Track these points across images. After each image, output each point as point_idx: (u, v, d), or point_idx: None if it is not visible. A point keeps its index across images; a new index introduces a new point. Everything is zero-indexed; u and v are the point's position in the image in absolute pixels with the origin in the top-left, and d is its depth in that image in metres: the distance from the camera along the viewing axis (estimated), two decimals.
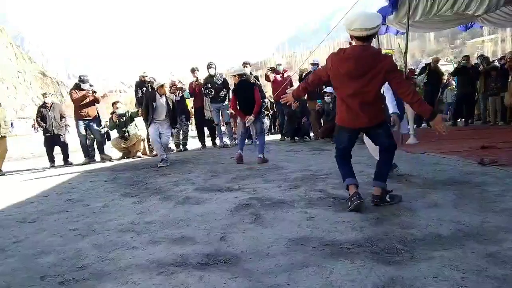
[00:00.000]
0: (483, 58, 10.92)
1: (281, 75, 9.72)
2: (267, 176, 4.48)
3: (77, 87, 7.92)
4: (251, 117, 5.77)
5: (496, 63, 10.87)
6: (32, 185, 5.29)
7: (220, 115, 8.80)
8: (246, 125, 5.88)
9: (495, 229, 2.19)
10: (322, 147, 7.16)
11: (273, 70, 9.82)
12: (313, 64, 9.44)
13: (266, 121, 14.27)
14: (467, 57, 10.55)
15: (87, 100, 7.81)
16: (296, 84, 10.25)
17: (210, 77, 8.53)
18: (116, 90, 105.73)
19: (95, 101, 7.95)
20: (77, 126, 7.96)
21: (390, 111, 3.85)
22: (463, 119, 10.69)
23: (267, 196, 3.46)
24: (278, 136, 10.67)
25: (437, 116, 2.80)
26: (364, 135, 3.53)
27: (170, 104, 6.40)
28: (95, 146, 8.46)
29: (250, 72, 8.88)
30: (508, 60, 9.03)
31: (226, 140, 9.23)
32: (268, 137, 10.70)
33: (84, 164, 7.70)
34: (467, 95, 10.12)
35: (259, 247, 2.19)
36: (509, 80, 8.79)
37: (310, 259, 1.96)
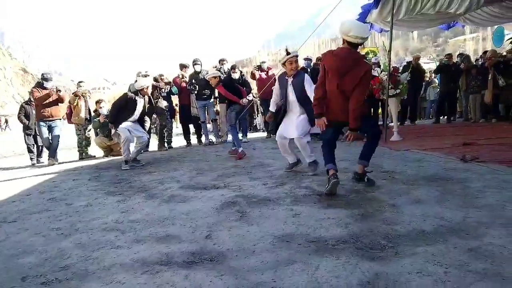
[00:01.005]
0: (464, 56, 11.10)
1: (265, 72, 9.73)
2: (253, 174, 4.48)
3: (39, 85, 7.48)
4: (246, 99, 6.42)
5: (480, 61, 11.06)
6: (14, 183, 5.18)
7: (206, 112, 8.75)
8: (245, 104, 6.44)
9: (476, 225, 2.23)
10: None
11: (259, 68, 9.82)
12: (306, 59, 9.45)
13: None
14: (449, 55, 10.71)
15: (51, 99, 7.34)
16: None
17: (196, 73, 8.47)
18: (100, 87, 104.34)
19: (59, 100, 7.51)
20: (38, 127, 7.47)
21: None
22: (445, 117, 10.87)
23: (253, 193, 3.46)
24: (264, 134, 10.68)
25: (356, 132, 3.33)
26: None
27: (147, 105, 6.22)
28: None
29: (228, 68, 8.91)
30: (488, 58, 9.21)
31: (212, 137, 9.19)
32: (254, 135, 10.70)
33: (49, 165, 7.21)
34: (450, 93, 10.27)
35: (245, 245, 2.19)
36: (489, 78, 8.96)
37: (295, 256, 1.97)
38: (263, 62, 10.04)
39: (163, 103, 8.33)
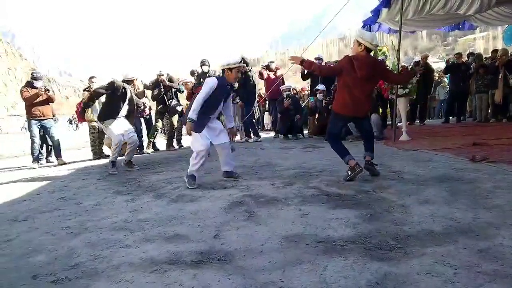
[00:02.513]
0: (476, 55, 11.00)
1: (273, 72, 9.75)
2: (261, 174, 4.48)
3: (29, 84, 7.35)
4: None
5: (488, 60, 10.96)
6: (24, 183, 5.24)
7: None
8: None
9: (486, 225, 2.21)
10: (315, 144, 7.18)
11: (267, 67, 9.84)
12: (317, 59, 9.44)
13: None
14: (458, 54, 10.62)
15: (40, 98, 7.24)
16: (288, 81, 10.29)
17: (203, 74, 8.50)
18: None
19: (49, 100, 7.44)
20: (30, 126, 7.38)
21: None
22: (455, 116, 10.76)
23: (261, 193, 3.46)
24: (271, 134, 10.67)
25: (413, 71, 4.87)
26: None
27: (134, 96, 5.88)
28: (51, 149, 8.01)
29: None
30: (499, 57, 9.10)
31: None
32: (262, 135, 10.68)
33: (32, 168, 7.11)
34: (459, 93, 10.18)
35: (253, 245, 2.19)
36: (500, 77, 8.86)
37: (303, 256, 1.96)
38: (272, 62, 10.06)
39: (175, 103, 8.36)
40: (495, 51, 10.23)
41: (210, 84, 3.95)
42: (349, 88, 3.77)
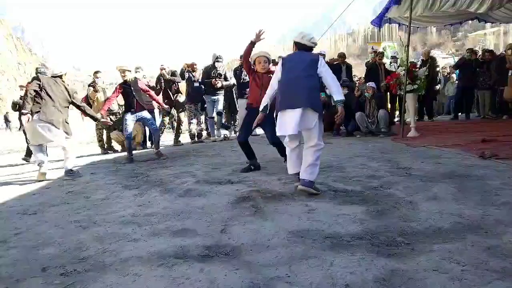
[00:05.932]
0: (483, 51, 10.88)
1: None
2: (268, 169, 4.49)
3: (35, 79, 7.33)
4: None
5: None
6: (33, 177, 5.29)
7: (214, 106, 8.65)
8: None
9: (495, 222, 2.20)
10: None
11: (274, 63, 9.80)
12: (320, 54, 9.39)
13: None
14: (470, 50, 10.49)
15: None
16: None
17: (213, 67, 8.44)
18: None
19: None
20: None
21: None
22: (465, 113, 10.66)
23: (268, 188, 3.47)
24: None
25: None
26: None
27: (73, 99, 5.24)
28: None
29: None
30: (510, 55, 8.96)
31: (226, 132, 9.17)
32: None
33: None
34: (469, 89, 10.08)
35: (260, 240, 2.20)
36: (510, 74, 8.72)
37: (310, 252, 1.97)
38: (280, 57, 10.04)
39: (182, 98, 8.36)
40: (490, 51, 10.25)
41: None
42: None
